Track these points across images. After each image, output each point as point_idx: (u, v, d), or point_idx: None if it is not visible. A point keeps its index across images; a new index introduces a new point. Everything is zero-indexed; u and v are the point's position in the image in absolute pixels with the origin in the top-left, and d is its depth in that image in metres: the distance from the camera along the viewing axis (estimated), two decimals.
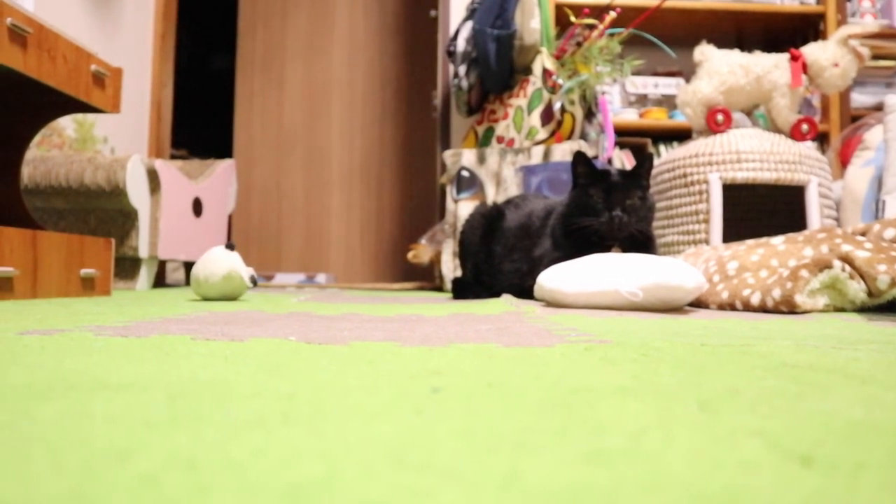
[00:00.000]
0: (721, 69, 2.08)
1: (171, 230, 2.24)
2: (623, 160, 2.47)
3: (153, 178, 2.16)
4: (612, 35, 2.26)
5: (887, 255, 1.14)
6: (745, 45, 3.06)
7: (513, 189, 2.21)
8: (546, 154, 2.18)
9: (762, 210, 2.23)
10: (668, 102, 2.93)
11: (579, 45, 2.30)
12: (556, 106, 2.26)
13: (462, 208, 2.26)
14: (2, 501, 0.19)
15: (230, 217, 3.60)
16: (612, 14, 2.25)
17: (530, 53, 2.32)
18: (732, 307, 1.23)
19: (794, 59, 2.02)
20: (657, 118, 2.84)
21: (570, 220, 1.39)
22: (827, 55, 2.01)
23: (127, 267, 2.15)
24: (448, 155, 2.34)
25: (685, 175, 2.01)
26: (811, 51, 2.03)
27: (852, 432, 0.28)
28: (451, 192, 2.31)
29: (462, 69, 2.51)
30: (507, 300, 1.37)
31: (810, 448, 0.26)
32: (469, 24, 2.51)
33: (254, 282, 1.36)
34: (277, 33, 3.89)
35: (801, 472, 0.23)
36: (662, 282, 1.09)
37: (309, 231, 3.83)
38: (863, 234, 1.31)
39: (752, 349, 0.57)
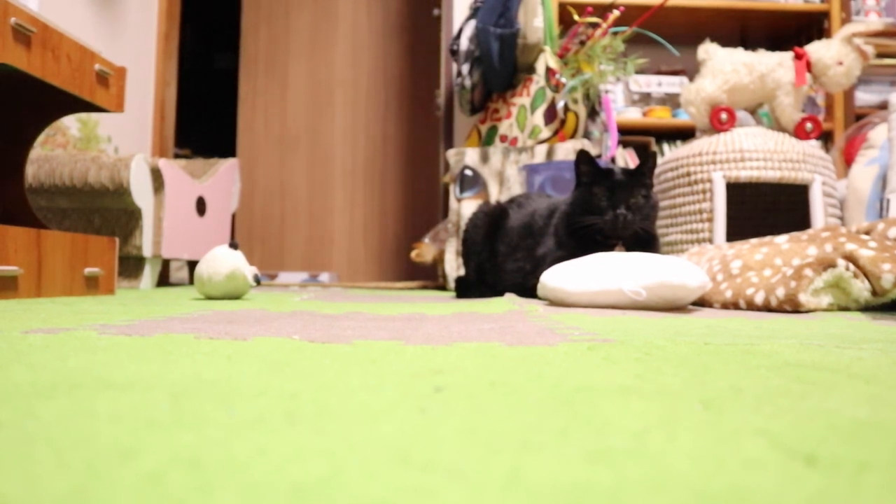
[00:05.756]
0: (725, 68, 2.07)
1: (174, 229, 2.25)
2: (626, 159, 2.46)
3: (157, 178, 2.17)
4: (615, 33, 2.26)
5: (892, 254, 1.13)
6: (749, 43, 3.05)
7: (516, 188, 2.21)
8: (549, 153, 2.18)
9: (766, 209, 2.22)
10: (671, 101, 2.93)
11: (582, 43, 2.29)
12: (560, 105, 2.26)
13: (465, 207, 2.26)
14: (6, 499, 0.19)
15: (234, 216, 3.61)
16: (616, 12, 2.24)
17: (533, 52, 2.32)
18: (736, 306, 1.23)
19: (798, 57, 2.01)
20: (661, 117, 2.83)
21: (573, 218, 1.39)
22: (831, 53, 2.00)
23: (131, 266, 2.15)
24: (451, 154, 2.34)
25: (689, 174, 2.01)
26: (815, 49, 2.02)
27: (856, 432, 0.28)
28: (454, 190, 2.31)
29: (465, 68, 2.51)
30: (510, 299, 1.37)
31: (814, 447, 0.26)
32: (472, 23, 2.51)
33: (257, 281, 1.36)
34: (281, 33, 3.90)
35: (805, 472, 0.23)
36: (666, 281, 1.09)
37: (312, 230, 3.84)
38: (867, 232, 1.30)
39: (756, 348, 0.57)
